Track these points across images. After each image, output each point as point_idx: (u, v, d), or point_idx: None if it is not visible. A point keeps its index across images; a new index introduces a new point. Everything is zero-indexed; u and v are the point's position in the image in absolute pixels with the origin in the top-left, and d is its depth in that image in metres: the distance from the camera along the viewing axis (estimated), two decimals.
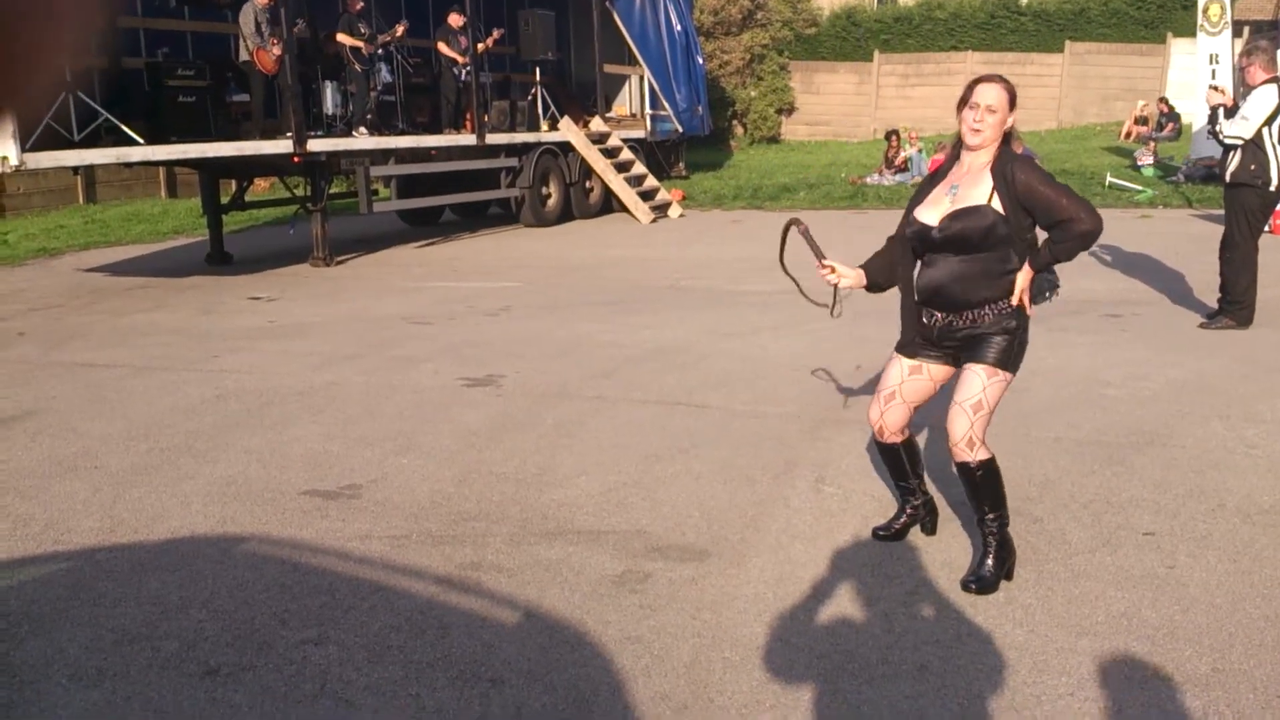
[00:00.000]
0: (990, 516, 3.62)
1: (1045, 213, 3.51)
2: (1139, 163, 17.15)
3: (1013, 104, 3.62)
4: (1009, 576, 3.63)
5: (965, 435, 3.56)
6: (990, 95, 3.57)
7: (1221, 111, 7.27)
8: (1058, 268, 3.66)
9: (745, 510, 4.38)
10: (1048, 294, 3.71)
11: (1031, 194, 3.51)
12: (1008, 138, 3.64)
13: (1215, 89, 7.63)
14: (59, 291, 11.21)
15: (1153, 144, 17.87)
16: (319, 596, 3.70)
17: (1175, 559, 3.77)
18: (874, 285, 3.89)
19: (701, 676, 3.10)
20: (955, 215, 3.58)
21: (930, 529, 4.04)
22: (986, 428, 3.62)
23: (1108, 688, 2.96)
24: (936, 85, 24.85)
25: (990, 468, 3.61)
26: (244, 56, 11.99)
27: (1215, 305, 7.58)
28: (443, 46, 14.37)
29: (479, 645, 3.32)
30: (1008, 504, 3.67)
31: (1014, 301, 3.58)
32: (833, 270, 3.77)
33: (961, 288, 3.60)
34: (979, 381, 3.57)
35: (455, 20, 14.33)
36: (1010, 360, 3.62)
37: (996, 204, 3.52)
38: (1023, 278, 3.57)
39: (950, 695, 2.94)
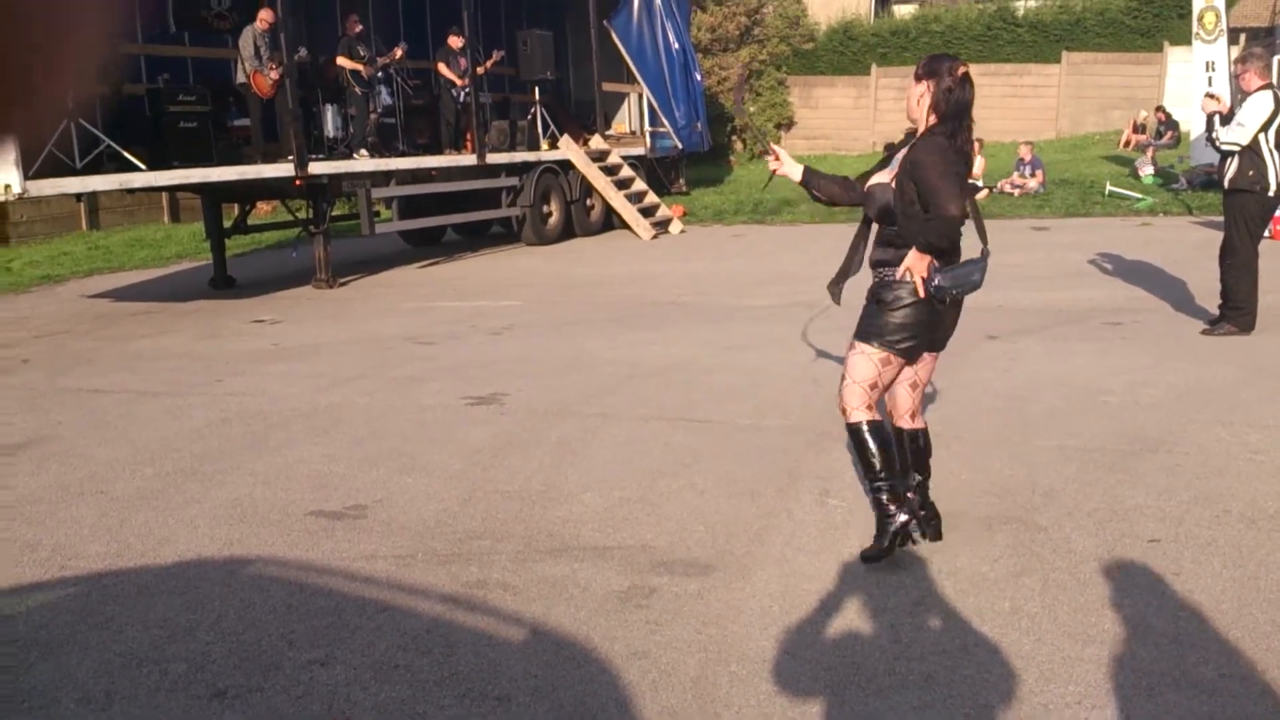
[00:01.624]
0: (866, 484, 3.88)
1: (922, 194, 3.65)
2: (1140, 171, 17.18)
3: (927, 76, 3.72)
4: (898, 543, 3.82)
5: (838, 397, 3.86)
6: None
7: (1218, 118, 7.29)
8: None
9: (749, 524, 4.38)
10: (936, 282, 3.69)
11: (916, 172, 3.65)
12: (949, 119, 3.70)
13: (1210, 96, 7.66)
14: (63, 318, 11.25)
15: (1152, 151, 17.90)
16: (325, 617, 3.71)
17: (1180, 565, 3.77)
18: (811, 187, 4.07)
19: (708, 691, 3.10)
20: (869, 187, 3.86)
21: (933, 535, 4.02)
22: (860, 398, 3.79)
23: (1115, 696, 2.96)
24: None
25: (856, 435, 3.83)
26: (241, 79, 12.06)
27: (1217, 311, 7.59)
28: (443, 68, 14.44)
29: (485, 663, 3.32)
30: (883, 477, 3.83)
31: (898, 274, 3.72)
32: (776, 157, 4.02)
33: (872, 252, 3.89)
34: (850, 350, 3.86)
35: (455, 42, 14.41)
36: (868, 331, 3.80)
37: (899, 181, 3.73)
38: (910, 255, 3.70)
39: (957, 706, 2.95)
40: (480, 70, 14.75)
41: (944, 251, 3.71)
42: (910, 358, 3.86)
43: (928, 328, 3.80)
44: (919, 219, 3.64)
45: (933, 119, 3.73)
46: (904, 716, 2.91)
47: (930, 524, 4.03)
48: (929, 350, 3.95)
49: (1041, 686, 3.03)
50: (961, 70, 3.71)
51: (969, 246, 3.85)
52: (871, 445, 3.83)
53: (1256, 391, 5.94)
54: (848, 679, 3.12)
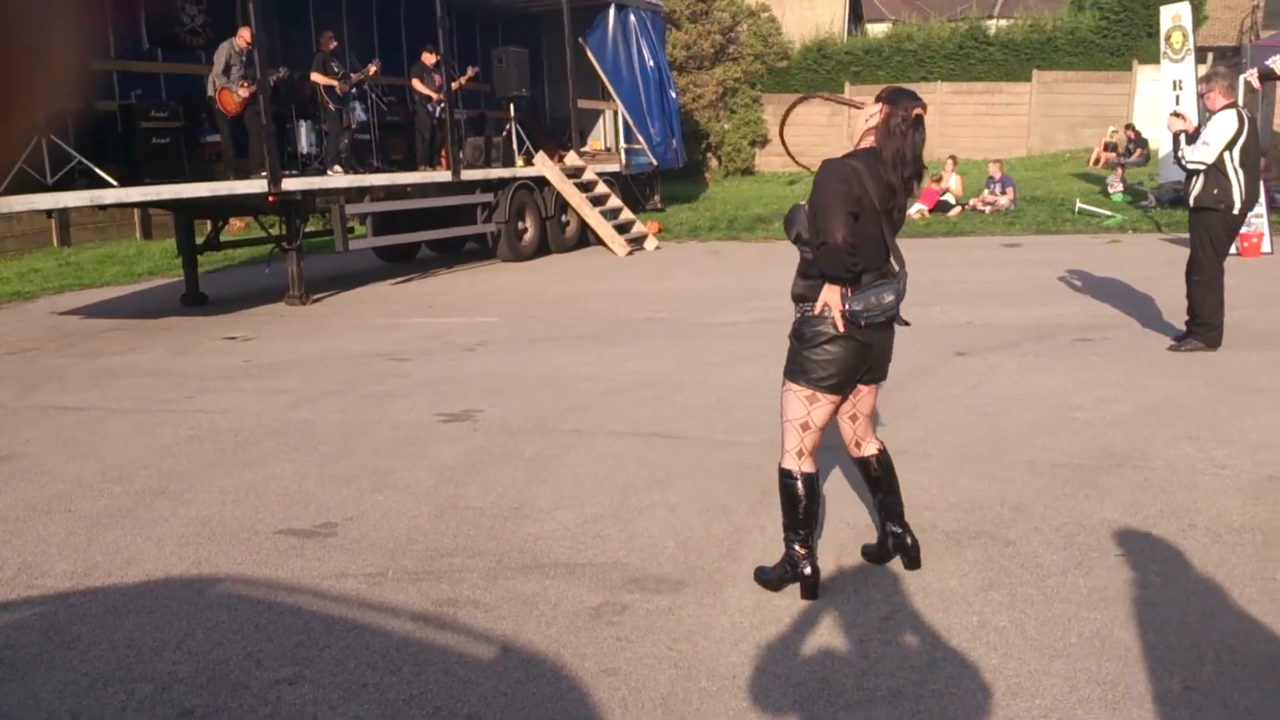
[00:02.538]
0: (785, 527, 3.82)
1: (813, 218, 3.56)
2: (1110, 189, 17.36)
3: (886, 102, 3.60)
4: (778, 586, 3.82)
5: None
6: None
7: (1184, 137, 7.39)
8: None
9: (722, 540, 4.39)
10: (848, 307, 3.57)
11: (812, 195, 3.60)
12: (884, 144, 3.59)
13: (1177, 115, 7.76)
14: (33, 335, 11.16)
15: (1121, 170, 18.10)
16: (294, 636, 3.69)
17: (1147, 580, 3.80)
18: None
19: (678, 707, 3.11)
20: (792, 207, 3.76)
21: (909, 562, 3.97)
22: (794, 440, 3.75)
23: (1081, 710, 2.98)
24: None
25: (782, 481, 3.80)
26: (210, 93, 12.01)
27: (1184, 328, 7.67)
28: (417, 83, 14.46)
29: (455, 681, 3.31)
30: (799, 528, 3.78)
31: (816, 308, 3.64)
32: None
33: (793, 284, 3.79)
34: (782, 387, 3.83)
35: (428, 58, 14.43)
36: (793, 369, 3.73)
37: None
38: (825, 287, 3.61)
39: None
40: (455, 85, 14.77)
41: (856, 279, 3.57)
42: (839, 393, 3.72)
43: (853, 362, 3.66)
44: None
45: (866, 142, 3.62)
46: None
47: (907, 552, 3.94)
48: (865, 382, 3.81)
49: (1008, 700, 3.04)
50: (916, 111, 3.57)
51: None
52: (795, 494, 3.76)
53: (1223, 407, 6.01)
54: (817, 694, 3.13)
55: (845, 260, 3.48)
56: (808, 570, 3.77)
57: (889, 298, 3.62)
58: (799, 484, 3.76)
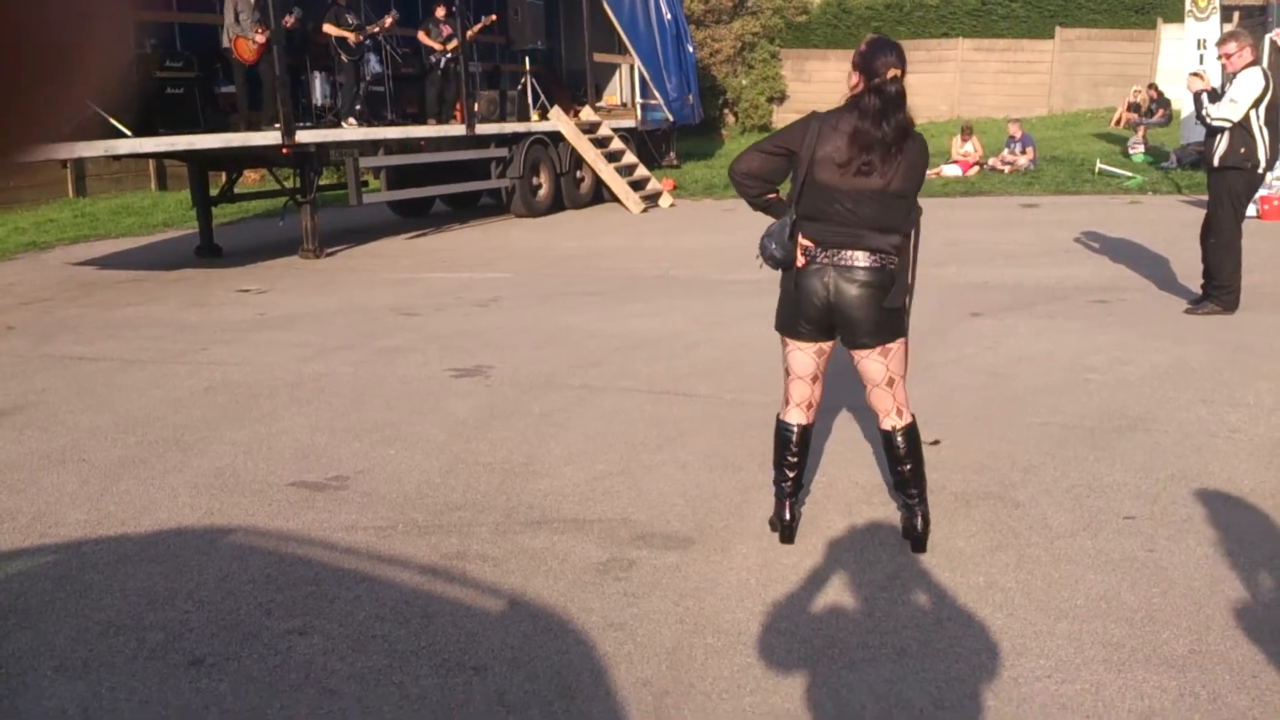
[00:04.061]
0: None
1: None
2: (1130, 150, 17.16)
3: (856, 65, 3.64)
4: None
5: None
6: None
7: (1205, 97, 7.28)
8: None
9: (730, 498, 4.40)
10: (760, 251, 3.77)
11: None
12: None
13: (1196, 75, 7.64)
14: (48, 285, 11.20)
15: (1143, 130, 17.88)
16: (304, 587, 3.72)
17: (1155, 542, 3.80)
18: None
19: (683, 662, 3.13)
20: None
21: (915, 545, 3.82)
22: (787, 386, 3.91)
23: (1086, 670, 2.99)
24: (928, 72, 24.79)
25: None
26: (225, 44, 11.95)
27: (1200, 291, 7.61)
28: (422, 35, 14.35)
29: (463, 634, 3.34)
30: (776, 472, 3.95)
31: None
32: None
33: None
34: None
35: (440, 11, 14.31)
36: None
37: None
38: None
39: (929, 678, 2.97)
40: (470, 35, 14.62)
41: (798, 217, 3.70)
42: (791, 336, 3.79)
43: (788, 305, 3.77)
44: None
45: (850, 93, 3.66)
46: (877, 689, 2.93)
47: (912, 533, 3.80)
48: (847, 346, 3.75)
49: (1013, 660, 3.05)
50: (891, 73, 3.53)
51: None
52: (776, 438, 3.95)
53: (1238, 371, 5.97)
54: (822, 651, 3.14)
55: (739, 186, 3.80)
56: (785, 516, 3.91)
57: (767, 242, 3.71)
58: (777, 428, 3.94)
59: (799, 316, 3.75)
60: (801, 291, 3.70)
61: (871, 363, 3.75)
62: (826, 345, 3.81)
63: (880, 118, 3.52)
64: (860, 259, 3.61)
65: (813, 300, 3.68)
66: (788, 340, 3.83)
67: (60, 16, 0.49)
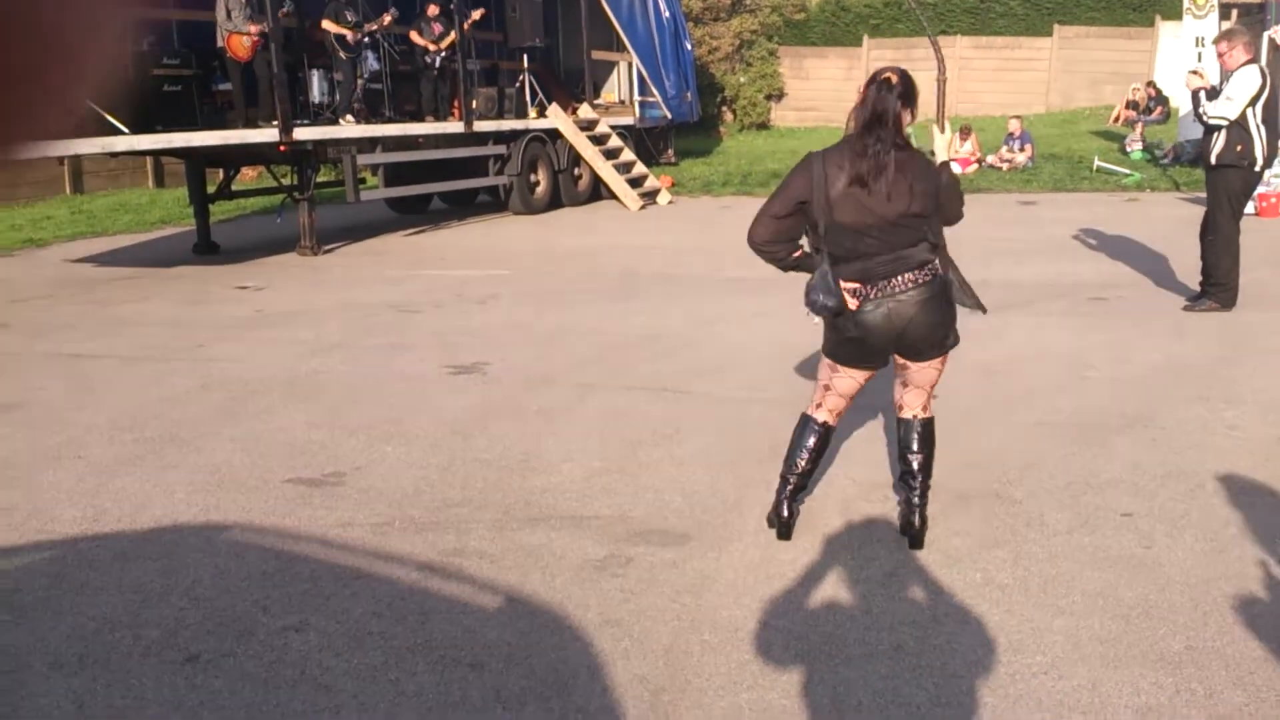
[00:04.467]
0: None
1: None
2: (1128, 147, 17.16)
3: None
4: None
5: None
6: None
7: (1203, 94, 7.28)
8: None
9: (727, 495, 4.40)
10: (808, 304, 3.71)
11: None
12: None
13: (1194, 73, 7.64)
14: (46, 282, 11.18)
15: (1141, 127, 17.88)
16: (301, 584, 3.71)
17: (1153, 539, 3.80)
18: None
19: (680, 659, 3.12)
20: None
21: (912, 542, 3.82)
22: (818, 394, 3.93)
23: (1082, 667, 2.99)
24: (926, 70, 24.70)
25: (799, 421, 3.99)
26: (219, 42, 11.93)
27: (1199, 288, 7.61)
28: (414, 35, 14.31)
29: (459, 630, 3.33)
30: (785, 465, 3.92)
31: None
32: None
33: None
34: None
35: (432, 9, 14.28)
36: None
37: None
38: None
39: (926, 675, 2.97)
40: (466, 25, 14.55)
41: (832, 261, 3.67)
42: (849, 364, 3.78)
43: (845, 343, 3.75)
44: None
45: (850, 128, 3.67)
46: (874, 685, 2.93)
47: (909, 530, 3.81)
48: (905, 358, 3.77)
49: (1010, 657, 3.05)
50: (885, 76, 3.60)
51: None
52: (796, 431, 3.92)
53: (1235, 368, 5.97)
54: (819, 648, 3.14)
55: (763, 254, 3.75)
56: (784, 512, 3.92)
57: (817, 296, 3.64)
58: (800, 424, 3.92)
59: (862, 353, 3.74)
60: (866, 330, 3.67)
61: (929, 370, 3.81)
62: (877, 370, 3.85)
63: (868, 127, 3.57)
64: (909, 279, 3.62)
65: (881, 335, 3.67)
66: (839, 367, 3.81)
67: (57, 14, 0.49)
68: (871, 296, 3.63)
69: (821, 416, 3.88)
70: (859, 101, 3.64)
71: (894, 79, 3.61)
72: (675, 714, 2.86)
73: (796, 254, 3.76)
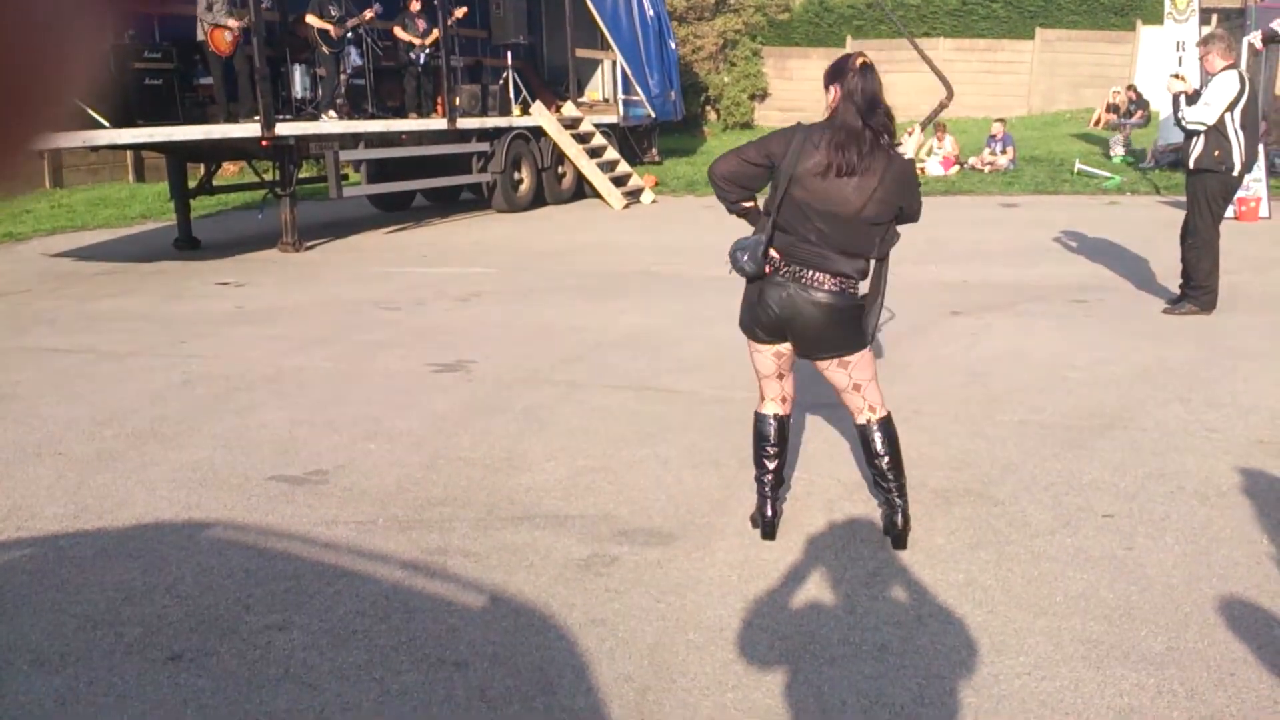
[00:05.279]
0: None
1: None
2: (1113, 151, 17.25)
3: (826, 82, 3.67)
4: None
5: None
6: None
7: (1183, 99, 7.33)
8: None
9: (712, 494, 4.40)
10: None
11: None
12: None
13: (1176, 77, 7.69)
14: (25, 276, 11.09)
15: (1126, 130, 17.99)
16: (284, 582, 3.70)
17: (1134, 540, 3.82)
18: None
19: (665, 658, 3.13)
20: None
21: (895, 543, 3.82)
22: (759, 384, 3.97)
23: (1064, 667, 3.01)
24: (909, 71, 24.73)
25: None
26: (200, 36, 11.87)
27: (1178, 291, 7.66)
28: (398, 31, 14.27)
29: (444, 629, 3.33)
30: (756, 466, 3.99)
31: None
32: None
33: None
34: None
35: (414, 5, 14.24)
36: None
37: None
38: None
39: (909, 675, 2.98)
40: (449, 20, 14.52)
41: (749, 221, 3.76)
42: (752, 338, 3.82)
43: (749, 310, 3.78)
44: None
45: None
46: (858, 685, 2.94)
47: (892, 530, 3.81)
48: (803, 356, 3.78)
49: (993, 657, 3.07)
50: (859, 61, 3.60)
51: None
52: (754, 433, 3.97)
53: (1215, 370, 6.02)
54: (803, 648, 3.15)
55: (718, 189, 3.76)
56: (768, 512, 3.94)
57: (739, 255, 3.66)
58: (755, 421, 3.97)
59: (756, 320, 3.78)
60: (761, 299, 3.72)
61: (832, 372, 3.80)
62: (784, 348, 3.83)
63: (861, 115, 3.54)
64: (822, 281, 3.63)
65: (770, 310, 3.70)
66: (750, 342, 3.88)
67: (39, 17, 0.49)
68: (781, 271, 3.66)
69: (769, 409, 3.93)
70: (838, 95, 3.59)
71: (870, 61, 3.62)
72: (660, 713, 2.86)
73: (749, 204, 3.80)
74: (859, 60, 3.61)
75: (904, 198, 3.67)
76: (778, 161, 3.63)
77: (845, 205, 3.56)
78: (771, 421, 3.92)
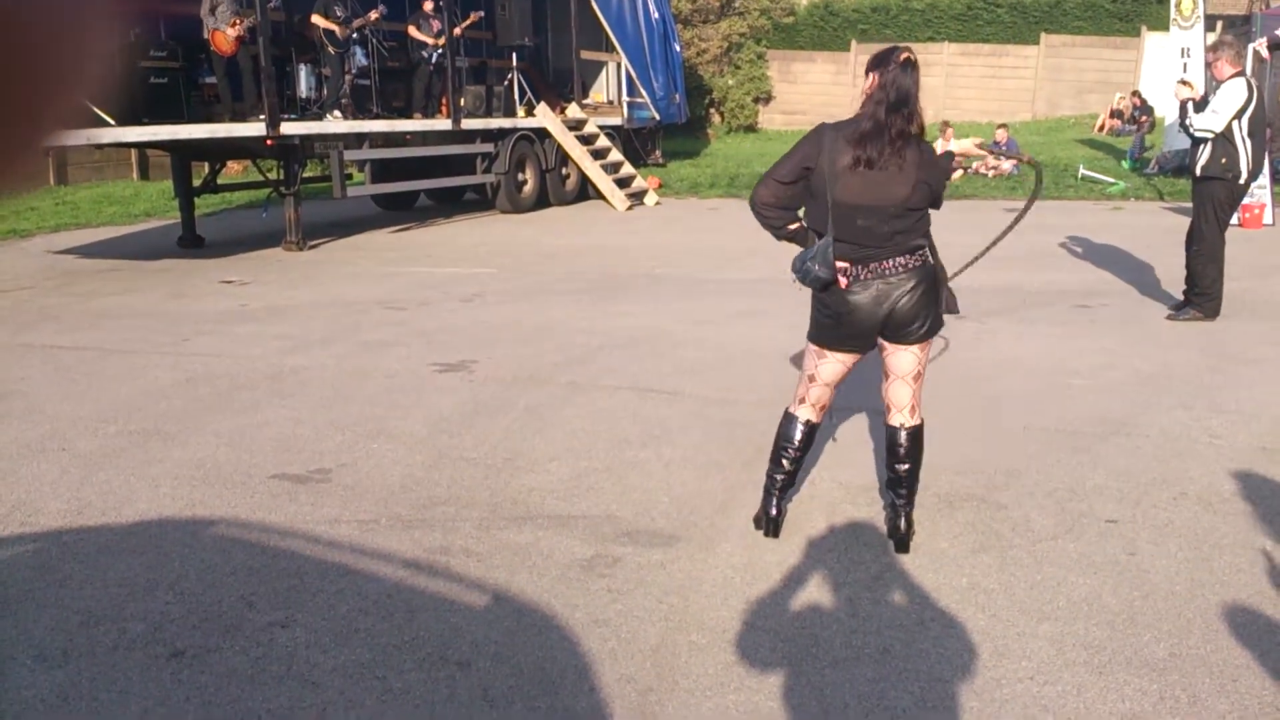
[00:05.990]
0: None
1: None
2: (1136, 156, 17.23)
3: (873, 68, 3.66)
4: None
5: None
6: None
7: (1190, 105, 7.33)
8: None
9: (715, 496, 4.40)
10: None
11: None
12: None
13: (1184, 83, 7.69)
14: (29, 273, 11.11)
15: (1141, 133, 17.98)
16: (287, 580, 3.70)
17: (1137, 546, 3.82)
18: None
19: (667, 660, 3.13)
20: None
21: (898, 546, 3.83)
22: (801, 388, 3.93)
23: (1067, 672, 3.00)
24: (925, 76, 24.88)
25: (781, 418, 4.01)
26: (205, 36, 11.90)
27: (1182, 297, 7.66)
28: (413, 30, 14.30)
29: (447, 628, 3.33)
30: (772, 464, 3.98)
31: None
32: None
33: None
34: None
35: (427, 5, 14.27)
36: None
37: None
38: None
39: (912, 679, 2.98)
40: (457, 32, 14.59)
41: (817, 236, 3.69)
42: (834, 347, 3.76)
43: (829, 323, 3.73)
44: None
45: (859, 109, 3.67)
46: (860, 688, 2.94)
47: (896, 533, 3.82)
48: (888, 340, 3.74)
49: (995, 661, 3.07)
50: (904, 56, 3.59)
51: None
52: (780, 430, 3.94)
53: (1219, 377, 6.01)
54: (805, 650, 3.15)
55: (762, 218, 3.76)
56: (773, 511, 3.94)
57: (811, 265, 3.62)
58: (785, 421, 3.93)
59: (847, 333, 3.72)
60: (852, 309, 3.66)
61: (910, 355, 3.76)
62: (856, 357, 3.83)
63: (892, 108, 3.54)
64: (900, 263, 3.63)
65: (871, 315, 3.66)
66: (825, 351, 3.79)
67: (46, 18, 0.49)
68: (861, 277, 3.64)
69: (804, 414, 3.89)
70: (875, 84, 3.59)
71: (914, 57, 3.62)
72: (662, 714, 2.86)
73: (794, 225, 3.76)
74: (903, 55, 3.60)
75: (933, 177, 3.67)
76: (812, 164, 3.61)
77: (889, 196, 3.58)
78: (801, 426, 3.89)
